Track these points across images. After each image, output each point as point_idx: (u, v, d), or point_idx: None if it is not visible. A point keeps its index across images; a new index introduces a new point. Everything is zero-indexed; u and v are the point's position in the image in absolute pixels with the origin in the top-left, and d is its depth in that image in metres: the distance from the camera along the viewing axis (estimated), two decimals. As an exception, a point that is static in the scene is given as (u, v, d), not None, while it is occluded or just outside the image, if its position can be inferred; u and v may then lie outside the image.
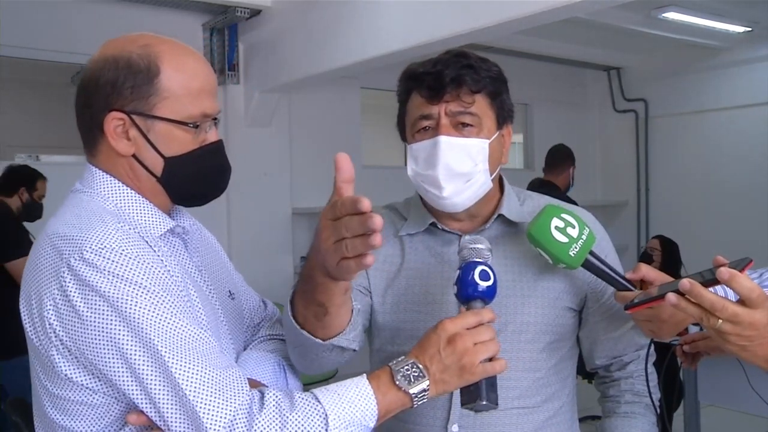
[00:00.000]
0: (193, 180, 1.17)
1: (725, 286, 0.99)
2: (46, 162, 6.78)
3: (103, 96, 1.10)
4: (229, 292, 1.28)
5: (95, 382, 1.03)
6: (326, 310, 1.09)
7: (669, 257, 4.28)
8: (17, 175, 3.88)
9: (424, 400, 1.05)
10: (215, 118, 1.17)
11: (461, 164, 1.27)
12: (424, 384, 1.04)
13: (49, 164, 4.10)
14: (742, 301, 0.97)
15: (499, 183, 1.41)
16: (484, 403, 1.05)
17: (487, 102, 1.30)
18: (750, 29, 5.47)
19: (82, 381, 1.03)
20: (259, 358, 1.24)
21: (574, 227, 1.24)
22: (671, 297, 1.00)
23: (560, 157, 4.63)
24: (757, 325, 0.97)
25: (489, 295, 1.11)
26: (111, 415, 1.06)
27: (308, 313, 1.11)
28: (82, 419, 1.06)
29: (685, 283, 0.98)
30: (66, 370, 1.03)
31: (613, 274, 1.24)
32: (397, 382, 1.03)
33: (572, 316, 1.38)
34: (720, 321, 0.97)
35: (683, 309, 0.99)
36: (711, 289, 1.00)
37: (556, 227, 1.23)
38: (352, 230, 0.94)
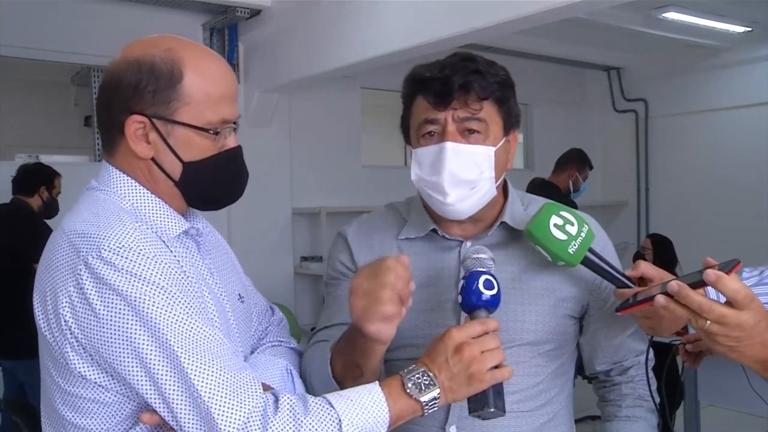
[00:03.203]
0: (210, 185, 1.17)
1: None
2: (46, 162, 6.78)
3: (124, 98, 1.10)
4: (239, 295, 1.28)
5: (109, 379, 1.04)
6: (362, 372, 1.16)
7: (663, 255, 4.29)
8: (36, 174, 3.94)
9: (435, 408, 1.06)
10: (235, 123, 1.17)
11: (467, 171, 1.26)
12: (435, 392, 1.05)
13: (49, 164, 4.10)
14: (730, 303, 0.98)
15: (503, 187, 1.40)
16: (492, 410, 1.07)
17: (495, 108, 1.28)
18: (750, 29, 5.47)
19: (95, 378, 1.04)
20: (267, 362, 1.25)
21: (573, 225, 1.24)
22: (660, 299, 1.01)
23: (563, 160, 4.70)
24: (745, 326, 0.98)
25: (493, 303, 1.13)
26: (123, 413, 1.06)
27: (346, 373, 1.19)
28: (93, 417, 1.06)
29: (673, 285, 0.99)
30: (80, 368, 1.03)
31: (612, 272, 1.24)
32: (408, 390, 1.05)
33: (572, 324, 1.37)
34: (708, 322, 0.98)
35: (672, 311, 1.01)
36: (709, 290, 1.00)
37: (555, 225, 1.23)
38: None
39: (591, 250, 1.25)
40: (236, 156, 1.19)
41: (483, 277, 1.13)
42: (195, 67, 1.11)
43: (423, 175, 1.29)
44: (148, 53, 1.10)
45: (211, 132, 1.12)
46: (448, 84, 1.25)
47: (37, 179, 3.90)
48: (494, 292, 1.13)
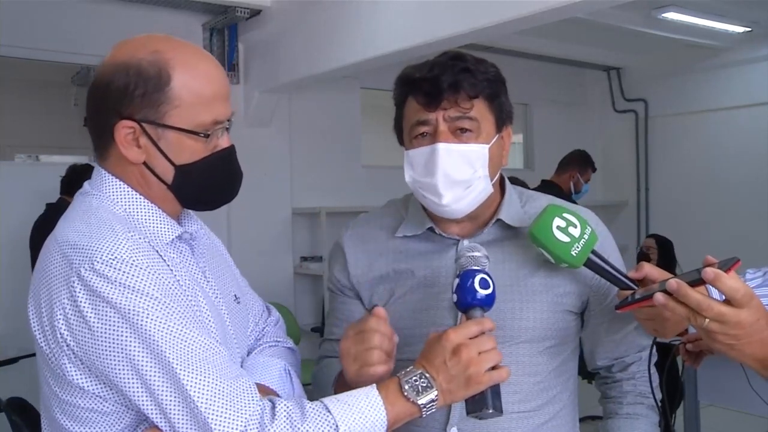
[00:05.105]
0: (203, 187, 1.16)
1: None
2: (46, 162, 6.78)
3: (113, 102, 1.09)
4: (235, 296, 1.27)
5: (106, 390, 1.03)
6: None
7: (665, 255, 4.31)
8: (84, 175, 3.90)
9: (433, 410, 1.06)
10: (228, 120, 1.16)
11: (460, 171, 1.26)
12: (432, 394, 1.05)
13: (49, 164, 4.10)
14: (729, 301, 0.98)
15: (500, 184, 1.40)
16: (491, 411, 1.07)
17: (486, 105, 1.28)
18: (750, 29, 5.47)
19: (93, 389, 1.03)
20: (265, 363, 1.25)
21: (576, 227, 1.24)
22: (659, 297, 1.01)
23: (565, 160, 4.77)
24: (743, 324, 0.98)
25: (488, 302, 1.13)
26: (122, 423, 1.06)
27: None
28: (93, 426, 1.06)
29: (672, 283, 1.00)
30: (77, 379, 1.03)
31: (615, 273, 1.24)
32: (406, 393, 1.05)
33: (573, 319, 1.37)
34: (707, 320, 0.99)
35: (671, 309, 1.01)
36: (712, 289, 1.00)
37: (558, 227, 1.23)
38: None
39: (594, 252, 1.25)
40: (229, 156, 1.17)
41: (479, 276, 1.12)
42: (183, 68, 1.09)
43: (417, 177, 1.30)
44: (135, 56, 1.09)
45: (202, 135, 1.11)
46: (438, 84, 1.24)
47: (84, 180, 3.89)
48: (490, 291, 1.12)
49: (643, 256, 4.30)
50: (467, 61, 1.28)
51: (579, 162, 4.72)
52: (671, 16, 4.99)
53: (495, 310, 1.18)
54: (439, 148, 1.25)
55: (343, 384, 1.22)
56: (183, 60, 1.10)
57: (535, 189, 1.65)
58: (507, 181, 1.42)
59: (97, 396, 1.03)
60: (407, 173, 1.32)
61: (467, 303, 1.12)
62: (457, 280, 1.14)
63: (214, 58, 1.18)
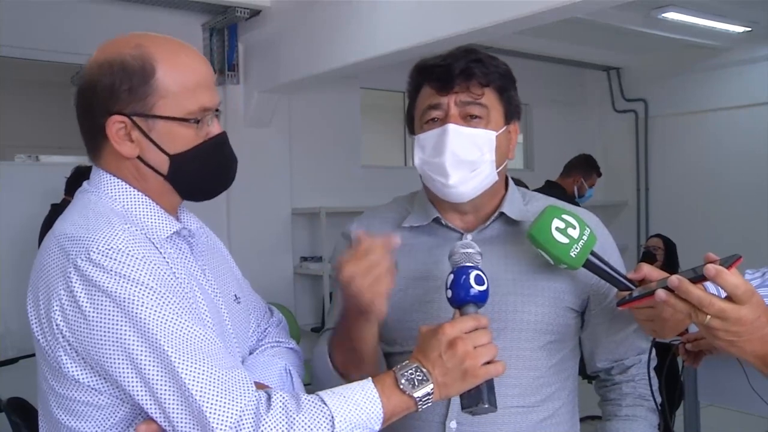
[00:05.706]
0: (200, 174, 1.17)
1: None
2: (45, 162, 6.78)
3: (101, 101, 1.10)
4: (235, 296, 1.28)
5: (102, 382, 1.04)
6: (361, 357, 1.21)
7: (670, 256, 4.31)
8: (87, 176, 3.90)
9: (429, 404, 1.06)
10: (217, 110, 1.17)
11: (468, 152, 1.29)
12: (428, 388, 1.05)
13: (49, 164, 4.09)
14: (730, 298, 0.99)
15: (504, 181, 1.42)
16: (486, 406, 1.07)
17: (496, 96, 1.33)
18: (750, 29, 5.47)
19: (88, 382, 1.03)
20: (266, 362, 1.25)
21: (575, 228, 1.24)
22: (660, 293, 1.02)
23: (570, 165, 4.80)
24: (744, 321, 0.99)
25: (482, 299, 1.13)
26: (117, 416, 1.06)
27: (348, 362, 1.26)
28: (88, 420, 1.06)
29: (674, 279, 1.00)
30: (73, 371, 1.03)
31: (614, 274, 1.24)
32: (401, 386, 1.05)
33: (573, 317, 1.38)
34: (708, 317, 0.99)
35: (672, 305, 1.02)
36: (709, 285, 1.01)
37: (557, 228, 1.23)
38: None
39: (593, 253, 1.25)
40: (222, 142, 1.19)
41: (474, 273, 1.13)
42: (166, 59, 1.11)
43: (426, 158, 1.33)
44: (119, 53, 1.11)
45: (192, 121, 1.12)
46: (450, 70, 1.30)
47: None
48: (484, 287, 1.13)
49: (650, 256, 4.29)
50: (480, 54, 1.33)
51: (584, 167, 4.74)
52: (671, 16, 5.00)
53: (497, 304, 1.18)
54: (449, 129, 1.29)
55: (340, 342, 1.24)
56: (165, 51, 1.12)
57: (539, 189, 1.66)
58: (510, 180, 1.44)
59: (92, 389, 1.04)
60: (417, 156, 1.35)
61: (461, 299, 1.13)
62: (451, 276, 1.15)
63: (195, 50, 1.19)
